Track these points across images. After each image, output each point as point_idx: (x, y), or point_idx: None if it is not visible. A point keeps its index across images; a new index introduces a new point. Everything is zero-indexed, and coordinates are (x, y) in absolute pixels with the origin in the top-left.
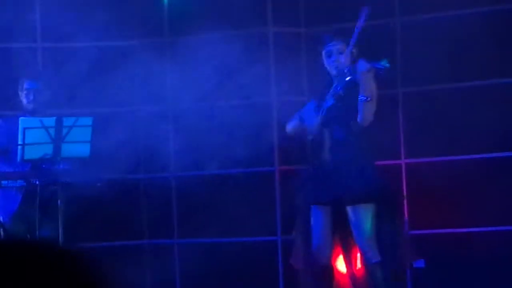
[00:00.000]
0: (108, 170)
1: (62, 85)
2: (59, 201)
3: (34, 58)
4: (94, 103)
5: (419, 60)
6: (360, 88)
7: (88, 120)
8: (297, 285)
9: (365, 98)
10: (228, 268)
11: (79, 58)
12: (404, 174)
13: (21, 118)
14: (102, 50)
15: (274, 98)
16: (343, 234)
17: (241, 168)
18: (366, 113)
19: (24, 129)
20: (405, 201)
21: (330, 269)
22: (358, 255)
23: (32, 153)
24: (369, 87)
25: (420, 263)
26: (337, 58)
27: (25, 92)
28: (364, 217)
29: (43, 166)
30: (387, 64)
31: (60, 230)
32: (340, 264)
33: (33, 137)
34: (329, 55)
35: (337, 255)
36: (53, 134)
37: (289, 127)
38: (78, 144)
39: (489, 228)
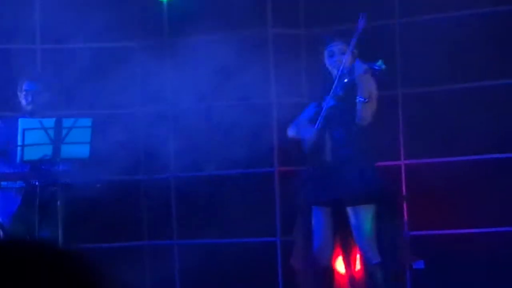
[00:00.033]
0: (108, 171)
1: (62, 86)
2: (58, 202)
3: (33, 59)
4: (94, 104)
5: (418, 61)
6: (358, 89)
7: (87, 121)
8: (297, 286)
9: (362, 99)
10: (228, 269)
11: (79, 59)
12: (403, 175)
13: (20, 119)
14: (101, 51)
15: (274, 99)
16: (343, 235)
17: (241, 169)
18: (364, 113)
19: (24, 130)
20: (404, 202)
21: (330, 270)
22: (358, 256)
23: (32, 154)
24: (366, 88)
25: (419, 264)
26: (339, 58)
27: (24, 93)
28: (364, 218)
29: (43, 167)
30: (383, 65)
31: (60, 231)
32: (339, 265)
33: (32, 138)
34: (331, 55)
35: (337, 256)
36: (53, 135)
37: (289, 134)
38: (77, 145)
39: (489, 229)
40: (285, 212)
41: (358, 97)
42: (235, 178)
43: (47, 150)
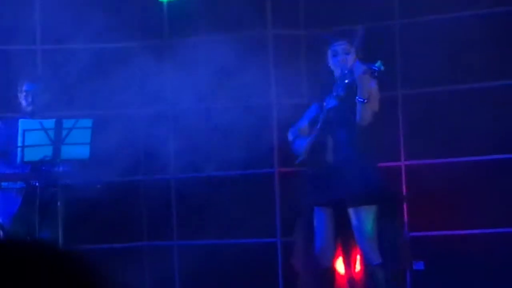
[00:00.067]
0: (108, 172)
1: (62, 87)
2: (59, 203)
3: (33, 60)
4: (94, 105)
5: (418, 62)
6: (358, 90)
7: (88, 122)
8: (297, 287)
9: (361, 99)
10: (228, 269)
11: (79, 60)
12: (403, 176)
13: (20, 120)
14: (101, 52)
15: (274, 100)
16: (344, 236)
17: (241, 169)
18: (363, 114)
19: (24, 131)
20: (404, 203)
21: (331, 271)
22: (358, 257)
23: (32, 155)
24: (366, 88)
25: (419, 265)
26: (343, 58)
27: (24, 94)
28: (366, 218)
29: (43, 168)
30: (382, 66)
31: (60, 232)
32: (339, 266)
33: (32, 139)
34: (335, 55)
35: (337, 257)
36: (53, 136)
37: (289, 138)
38: (77, 146)
39: (489, 230)
40: (285, 213)
41: (357, 97)
42: (235, 179)
43: (47, 151)
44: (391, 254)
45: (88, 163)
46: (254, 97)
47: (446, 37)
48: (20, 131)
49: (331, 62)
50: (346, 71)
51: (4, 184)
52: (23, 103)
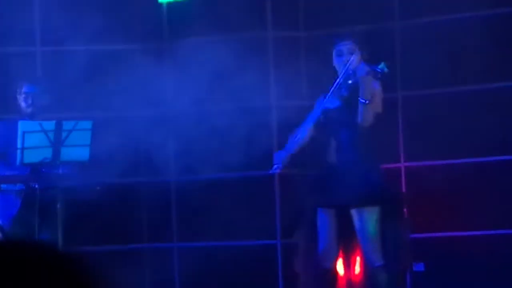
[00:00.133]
0: (108, 174)
1: (61, 89)
2: (58, 205)
3: (33, 61)
4: (94, 107)
5: (418, 64)
6: (360, 91)
7: (87, 124)
8: None
9: (363, 100)
10: (228, 271)
11: (78, 61)
12: (403, 177)
13: (20, 122)
14: (101, 54)
15: (274, 101)
16: (345, 237)
17: (241, 171)
18: (365, 115)
19: (24, 132)
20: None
21: (333, 273)
22: (358, 259)
23: (32, 157)
24: (368, 90)
25: (419, 267)
26: (347, 58)
27: (23, 95)
28: (369, 220)
29: (43, 170)
30: (385, 68)
31: (60, 234)
32: (339, 267)
33: (32, 141)
34: (340, 54)
35: (338, 258)
36: (53, 138)
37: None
38: (77, 148)
39: (488, 232)
40: (285, 215)
41: (360, 98)
42: (235, 181)
43: (47, 153)
44: (393, 256)
45: (87, 165)
46: (254, 99)
47: (446, 39)
48: (19, 133)
49: (335, 62)
50: (350, 72)
51: (3, 186)
52: (23, 105)
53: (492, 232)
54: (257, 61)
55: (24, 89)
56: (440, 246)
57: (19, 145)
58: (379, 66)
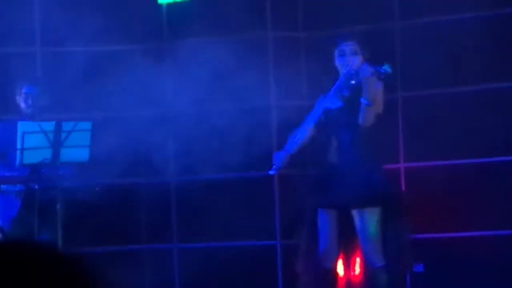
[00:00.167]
0: (107, 174)
1: (61, 89)
2: (58, 206)
3: (33, 62)
4: (93, 107)
5: (418, 64)
6: (363, 92)
7: (87, 125)
8: None
9: (366, 102)
10: (228, 272)
11: (78, 62)
12: (403, 178)
13: (20, 122)
14: (101, 54)
15: (274, 102)
16: (347, 238)
17: (240, 172)
18: (367, 116)
19: (23, 133)
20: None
21: (333, 273)
22: (358, 259)
23: (31, 158)
24: (371, 91)
25: (419, 268)
26: (350, 58)
27: (23, 96)
28: (370, 220)
29: (42, 170)
30: (389, 69)
31: (59, 235)
32: (339, 268)
33: (32, 142)
34: (342, 55)
35: (338, 258)
36: (52, 139)
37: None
38: (77, 148)
39: (489, 232)
40: (285, 215)
41: (362, 99)
42: (234, 181)
43: (47, 154)
44: (394, 257)
45: (87, 166)
46: (253, 99)
47: (446, 39)
48: (19, 134)
49: (337, 62)
50: (352, 72)
51: (3, 186)
52: (23, 105)
53: (492, 232)
54: (257, 61)
55: (24, 90)
56: (440, 247)
57: (18, 146)
58: (383, 67)
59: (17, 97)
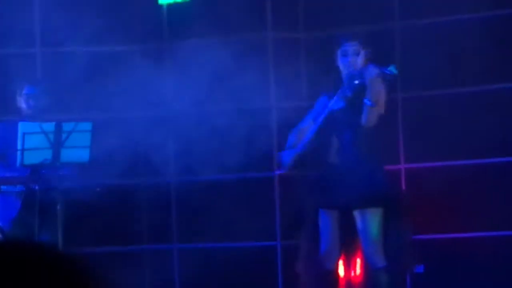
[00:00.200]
0: (108, 175)
1: (61, 90)
2: (58, 206)
3: (33, 63)
4: (94, 108)
5: (418, 65)
6: (367, 93)
7: (87, 125)
8: None
9: (370, 103)
10: (228, 273)
11: (78, 63)
12: (403, 179)
13: (20, 123)
14: (101, 55)
15: (274, 103)
16: (348, 239)
17: (241, 173)
18: (369, 116)
19: (24, 134)
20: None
21: (334, 274)
22: (358, 260)
23: (32, 158)
24: (376, 92)
25: (419, 269)
26: (352, 58)
27: (24, 97)
28: (371, 221)
29: (43, 171)
30: (395, 71)
31: (60, 235)
32: (340, 269)
33: (32, 142)
34: (345, 55)
35: (340, 259)
36: (53, 139)
37: (288, 144)
38: (77, 149)
39: (489, 233)
40: (285, 216)
41: (366, 100)
42: (235, 182)
43: (47, 154)
44: (396, 258)
45: (87, 166)
46: (253, 100)
47: (446, 40)
48: (19, 134)
49: (339, 62)
50: (356, 72)
51: (3, 187)
52: (23, 106)
53: (493, 233)
54: (257, 62)
55: (25, 91)
56: (440, 248)
57: (19, 147)
58: (389, 68)
59: (18, 98)
